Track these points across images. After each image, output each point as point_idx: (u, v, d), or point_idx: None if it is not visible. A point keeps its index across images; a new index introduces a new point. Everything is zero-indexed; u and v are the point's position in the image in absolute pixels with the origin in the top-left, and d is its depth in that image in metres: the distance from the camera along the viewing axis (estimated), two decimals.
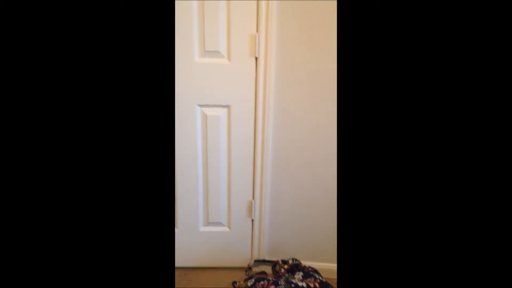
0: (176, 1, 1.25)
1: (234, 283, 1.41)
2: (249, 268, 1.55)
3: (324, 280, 1.38)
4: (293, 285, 1.29)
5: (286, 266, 1.48)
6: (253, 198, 1.48)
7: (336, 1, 1.24)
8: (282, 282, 1.31)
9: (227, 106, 1.38)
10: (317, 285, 1.33)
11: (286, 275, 1.44)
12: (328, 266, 1.52)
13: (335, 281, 1.47)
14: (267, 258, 1.56)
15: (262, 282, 1.32)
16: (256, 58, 1.32)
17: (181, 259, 1.55)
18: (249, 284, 1.35)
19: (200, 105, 1.37)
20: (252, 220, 1.51)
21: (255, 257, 1.55)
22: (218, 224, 1.53)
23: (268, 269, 1.55)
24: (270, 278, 1.35)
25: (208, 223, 1.53)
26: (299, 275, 1.41)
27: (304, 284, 1.31)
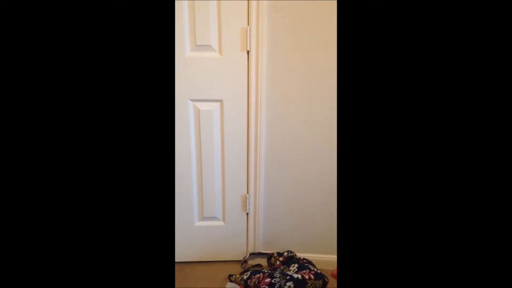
0: None
1: (230, 276, 1.42)
2: (245, 261, 1.56)
3: (318, 271, 1.40)
4: (288, 277, 1.31)
5: (281, 259, 1.50)
6: (247, 192, 1.49)
7: None
8: (277, 274, 1.33)
9: (220, 101, 1.37)
10: (311, 276, 1.35)
11: (282, 267, 1.46)
12: (322, 258, 1.54)
13: (329, 272, 1.50)
14: (262, 251, 1.57)
15: (258, 275, 1.34)
16: (248, 52, 1.31)
17: (177, 254, 1.56)
18: (245, 277, 1.36)
19: (193, 100, 1.37)
20: (247, 214, 1.52)
21: (251, 250, 1.56)
22: (213, 218, 1.53)
23: (263, 261, 1.57)
24: (266, 271, 1.37)
25: (203, 217, 1.53)
26: (294, 267, 1.43)
27: (299, 276, 1.33)
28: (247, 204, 1.50)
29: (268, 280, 1.31)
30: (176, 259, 1.57)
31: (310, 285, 1.32)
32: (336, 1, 1.24)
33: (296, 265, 1.44)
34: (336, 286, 1.41)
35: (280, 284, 1.29)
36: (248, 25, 1.28)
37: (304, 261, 1.48)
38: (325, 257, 1.54)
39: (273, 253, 1.53)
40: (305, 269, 1.39)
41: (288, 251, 1.53)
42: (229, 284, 1.38)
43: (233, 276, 1.41)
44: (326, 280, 1.37)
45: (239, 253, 1.58)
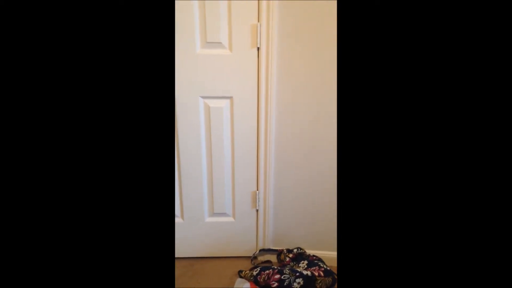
0: None
1: (240, 272, 1.43)
2: (255, 257, 1.57)
3: (328, 268, 1.40)
4: (297, 274, 1.31)
5: (291, 255, 1.50)
6: (257, 189, 1.50)
7: None
8: (287, 270, 1.33)
9: (230, 98, 1.37)
10: (321, 273, 1.35)
11: (291, 263, 1.46)
12: (332, 255, 1.54)
13: None
14: (272, 247, 1.58)
15: (267, 271, 1.35)
16: (258, 49, 1.31)
17: (187, 249, 1.58)
18: (254, 273, 1.37)
19: (203, 97, 1.38)
20: (257, 210, 1.53)
21: (260, 246, 1.57)
22: (223, 214, 1.55)
23: (273, 258, 1.57)
24: (275, 267, 1.37)
25: (213, 213, 1.54)
26: (303, 263, 1.43)
27: (309, 273, 1.33)
28: (257, 200, 1.51)
29: (277, 276, 1.31)
30: (186, 255, 1.59)
31: (320, 282, 1.32)
32: None
33: (306, 261, 1.44)
34: None
35: (290, 280, 1.30)
36: (258, 21, 1.28)
37: (314, 258, 1.48)
38: (335, 254, 1.54)
39: (282, 250, 1.54)
40: (315, 266, 1.39)
41: (297, 248, 1.53)
42: (239, 280, 1.40)
43: (243, 272, 1.42)
44: (336, 277, 1.37)
45: (248, 249, 1.59)
